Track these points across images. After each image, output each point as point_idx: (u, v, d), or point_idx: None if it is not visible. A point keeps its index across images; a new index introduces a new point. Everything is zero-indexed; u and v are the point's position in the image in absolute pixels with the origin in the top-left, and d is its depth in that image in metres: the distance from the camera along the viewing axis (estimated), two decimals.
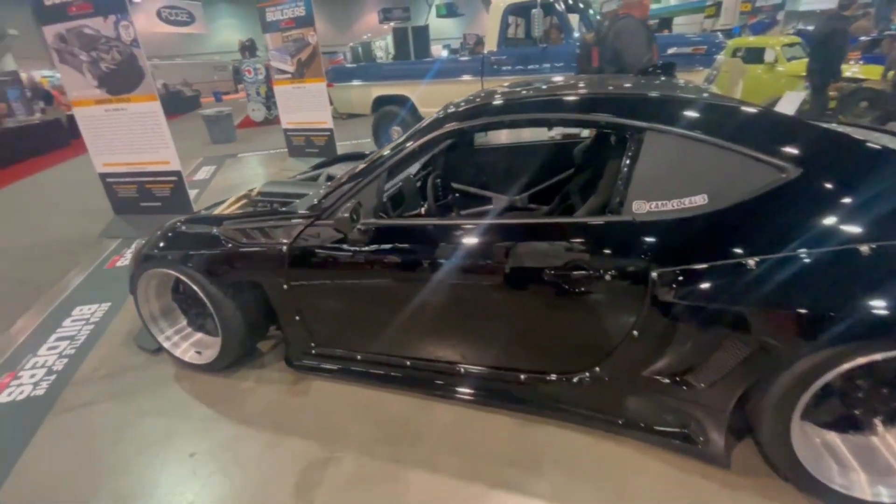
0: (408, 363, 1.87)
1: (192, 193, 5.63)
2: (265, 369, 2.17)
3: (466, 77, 5.63)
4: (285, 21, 5.85)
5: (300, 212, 1.83)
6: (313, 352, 2.02)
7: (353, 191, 1.74)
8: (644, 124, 1.43)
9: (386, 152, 1.77)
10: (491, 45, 5.39)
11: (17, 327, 2.77)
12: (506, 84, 2.17)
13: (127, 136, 3.95)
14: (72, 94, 3.85)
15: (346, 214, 1.54)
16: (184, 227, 2.05)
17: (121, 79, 3.71)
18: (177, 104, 16.16)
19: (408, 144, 1.71)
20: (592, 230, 1.45)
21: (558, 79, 2.41)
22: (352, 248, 1.71)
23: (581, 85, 1.83)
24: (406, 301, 1.72)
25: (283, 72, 6.09)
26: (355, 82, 6.50)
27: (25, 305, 3.01)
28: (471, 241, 1.57)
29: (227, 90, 21.65)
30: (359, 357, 1.96)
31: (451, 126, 1.65)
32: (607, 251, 1.41)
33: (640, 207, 1.39)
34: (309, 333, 1.99)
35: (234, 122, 9.42)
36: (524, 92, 1.77)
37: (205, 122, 8.99)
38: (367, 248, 1.69)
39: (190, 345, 2.20)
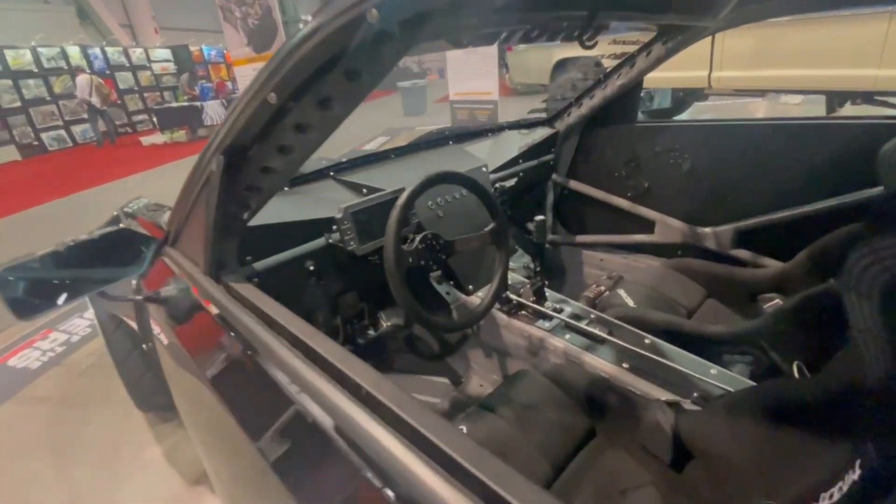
0: None
1: None
2: None
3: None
4: None
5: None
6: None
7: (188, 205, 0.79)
8: None
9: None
10: None
11: None
12: None
13: None
14: (233, 53, 3.91)
15: None
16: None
17: (261, 35, 3.55)
18: (404, 78, 17.75)
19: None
20: None
21: None
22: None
23: None
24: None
25: None
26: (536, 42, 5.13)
27: None
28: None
29: None
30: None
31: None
32: None
33: None
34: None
35: (427, 96, 9.37)
36: None
37: (401, 94, 9.18)
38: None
39: None
